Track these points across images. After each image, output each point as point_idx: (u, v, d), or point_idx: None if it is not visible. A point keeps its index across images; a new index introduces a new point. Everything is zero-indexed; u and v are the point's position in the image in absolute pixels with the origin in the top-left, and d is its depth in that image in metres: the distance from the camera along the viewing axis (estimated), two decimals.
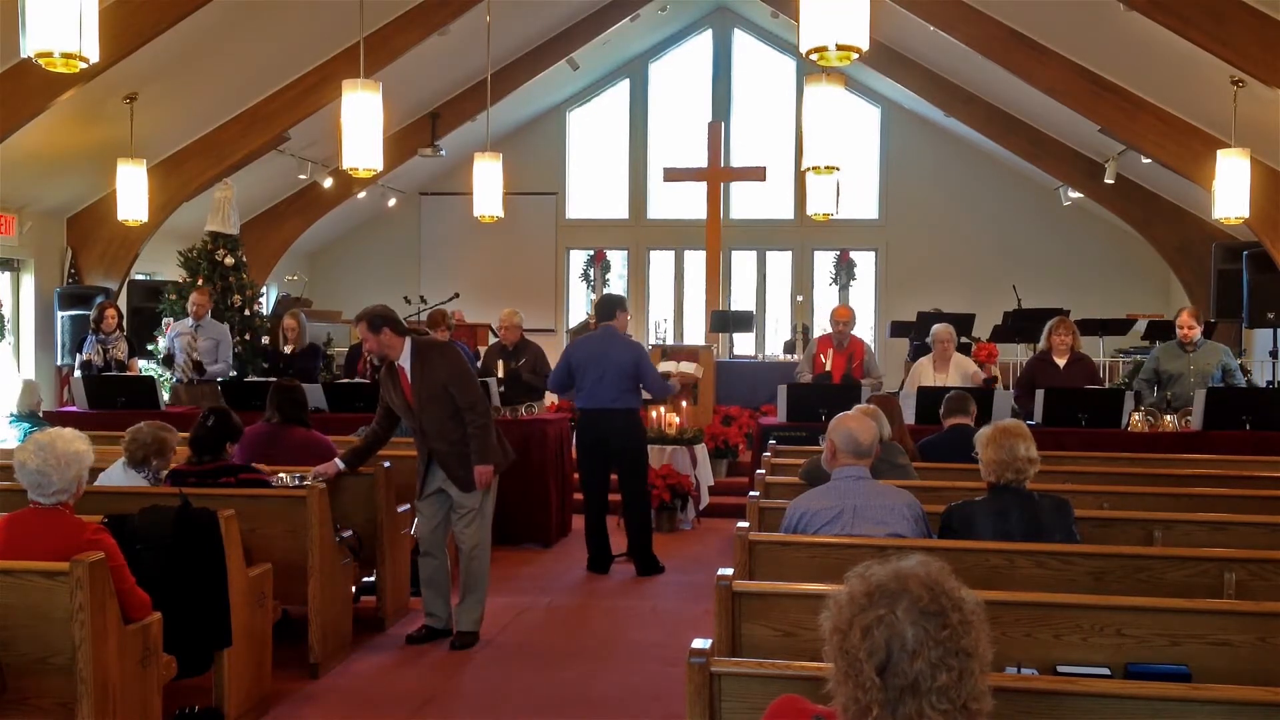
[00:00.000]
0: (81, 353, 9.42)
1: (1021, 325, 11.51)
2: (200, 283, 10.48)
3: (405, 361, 5.48)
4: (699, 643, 2.59)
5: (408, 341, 5.51)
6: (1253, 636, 2.98)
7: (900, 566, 1.83)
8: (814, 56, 4.32)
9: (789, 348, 13.89)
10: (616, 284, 16.71)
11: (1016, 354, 12.28)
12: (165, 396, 8.73)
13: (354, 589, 5.67)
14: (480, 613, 5.68)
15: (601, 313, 7.46)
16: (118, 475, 5.08)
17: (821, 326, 12.47)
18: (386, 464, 5.86)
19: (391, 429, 5.73)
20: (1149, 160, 10.84)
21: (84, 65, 4.74)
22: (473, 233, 14.85)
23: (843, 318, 8.54)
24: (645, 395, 7.47)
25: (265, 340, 10.68)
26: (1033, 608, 3.06)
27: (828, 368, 8.41)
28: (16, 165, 9.15)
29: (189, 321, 9.07)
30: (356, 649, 5.52)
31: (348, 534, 5.53)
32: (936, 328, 8.44)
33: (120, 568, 3.61)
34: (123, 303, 10.91)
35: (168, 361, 9.08)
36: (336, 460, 5.54)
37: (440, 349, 5.67)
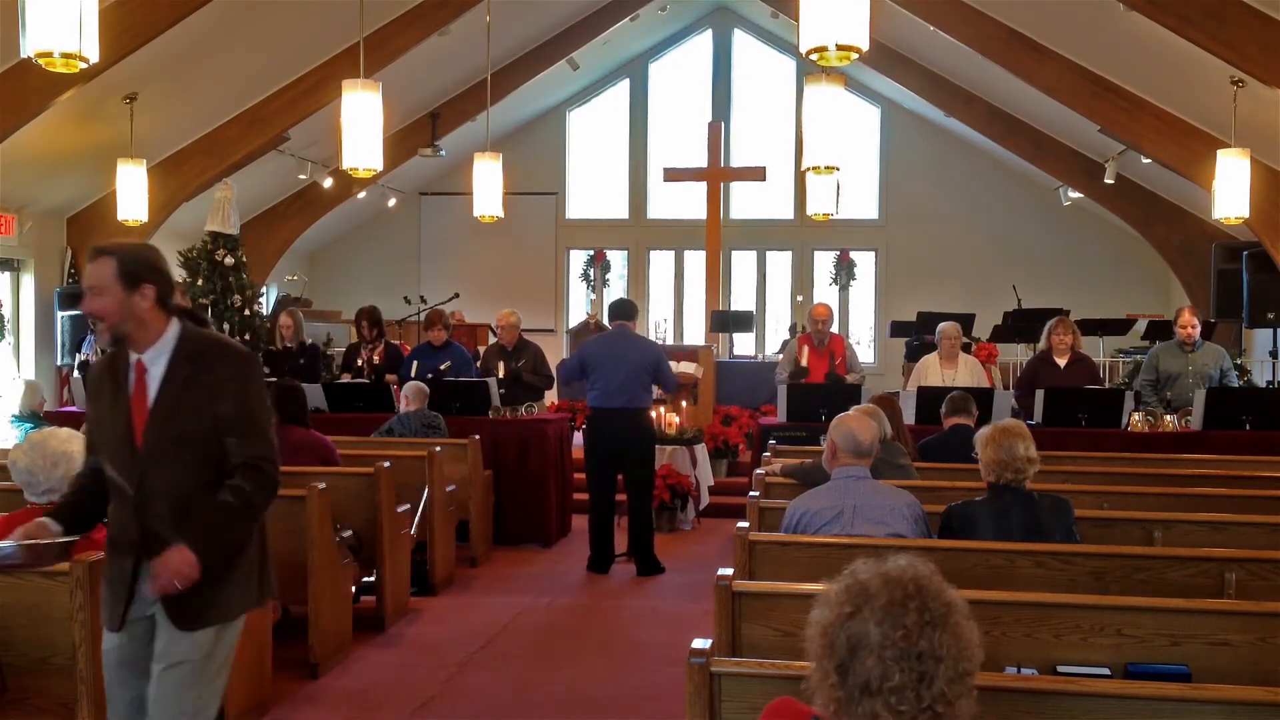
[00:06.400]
0: (80, 353, 9.43)
1: (1021, 325, 11.51)
2: (200, 283, 10.49)
3: (157, 359, 2.99)
4: (699, 643, 2.59)
5: (174, 326, 3.02)
6: (1253, 636, 2.98)
7: (883, 566, 1.85)
8: (814, 56, 4.32)
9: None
10: (616, 284, 16.70)
11: (1016, 354, 12.28)
12: None
13: (354, 589, 5.68)
14: None
15: (619, 313, 7.46)
16: None
17: None
18: (386, 463, 5.87)
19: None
20: (1149, 160, 10.84)
21: (84, 65, 4.74)
22: (473, 233, 14.84)
23: (820, 316, 8.51)
24: (656, 393, 7.50)
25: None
26: (1033, 608, 3.07)
27: (804, 364, 8.38)
28: (16, 165, 9.14)
29: None
30: (356, 649, 5.51)
31: (348, 534, 5.53)
32: (943, 325, 8.46)
33: None
34: None
35: None
36: (48, 521, 3.04)
37: (232, 354, 3.05)
